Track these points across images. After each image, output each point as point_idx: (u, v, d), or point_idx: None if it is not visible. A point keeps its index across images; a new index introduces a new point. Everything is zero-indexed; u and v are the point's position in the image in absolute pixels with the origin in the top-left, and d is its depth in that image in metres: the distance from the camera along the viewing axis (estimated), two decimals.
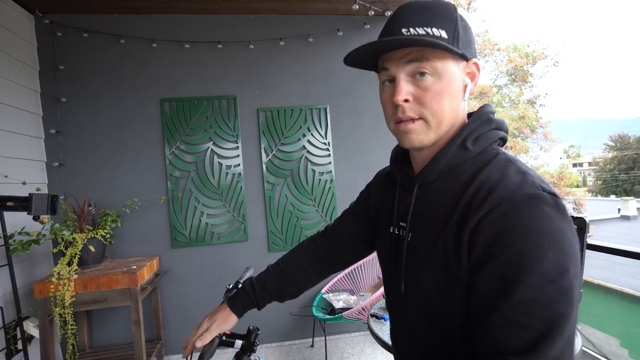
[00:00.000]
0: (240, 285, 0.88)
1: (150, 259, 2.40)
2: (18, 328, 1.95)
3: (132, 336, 2.11)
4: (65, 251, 1.98)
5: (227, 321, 0.82)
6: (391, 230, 0.69)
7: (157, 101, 2.59)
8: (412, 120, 0.56)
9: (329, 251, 0.89)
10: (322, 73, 2.78)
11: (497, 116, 0.62)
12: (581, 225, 1.00)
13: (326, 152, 2.79)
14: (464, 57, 0.56)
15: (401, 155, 0.70)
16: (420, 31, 0.53)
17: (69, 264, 1.96)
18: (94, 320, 2.51)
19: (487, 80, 14.84)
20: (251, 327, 0.86)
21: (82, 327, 2.41)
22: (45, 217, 1.92)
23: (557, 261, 0.45)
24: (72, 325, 1.91)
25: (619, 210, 16.54)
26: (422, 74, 0.54)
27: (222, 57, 2.66)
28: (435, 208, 0.59)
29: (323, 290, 2.61)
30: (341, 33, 2.77)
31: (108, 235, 2.18)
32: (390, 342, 0.77)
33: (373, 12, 2.59)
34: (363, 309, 2.17)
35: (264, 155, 2.70)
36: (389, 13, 2.60)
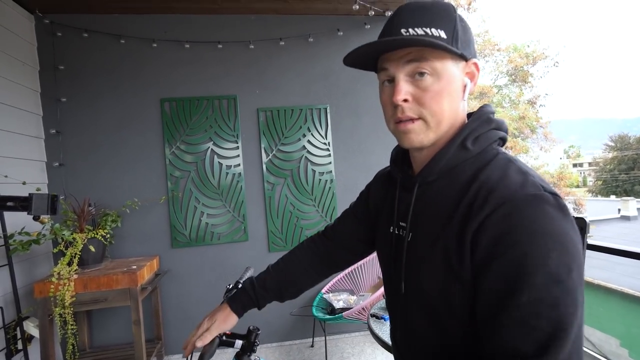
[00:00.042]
0: (240, 285, 0.88)
1: (150, 259, 2.41)
2: (18, 328, 1.95)
3: (132, 336, 2.11)
4: (65, 251, 1.98)
5: (227, 321, 0.82)
6: (391, 230, 0.69)
7: (157, 101, 2.59)
8: (412, 120, 0.56)
9: (329, 251, 0.89)
10: (322, 73, 2.78)
11: (497, 116, 0.62)
12: (581, 226, 0.99)
13: (326, 152, 2.79)
14: (463, 57, 0.57)
15: (401, 156, 0.70)
16: (419, 31, 0.54)
17: (69, 264, 1.96)
18: (94, 320, 2.51)
19: (488, 80, 14.85)
20: (251, 327, 0.86)
21: (82, 327, 2.41)
22: (45, 217, 1.92)
23: (562, 261, 0.45)
24: (72, 325, 1.91)
25: (619, 210, 16.54)
26: (422, 74, 0.54)
27: (222, 57, 2.66)
28: (435, 208, 0.59)
29: (323, 290, 2.61)
30: (341, 33, 2.77)
31: (108, 235, 2.18)
32: (390, 342, 0.77)
33: (373, 12, 2.59)
34: (363, 309, 2.17)
35: (264, 155, 2.70)
36: (389, 13, 2.60)
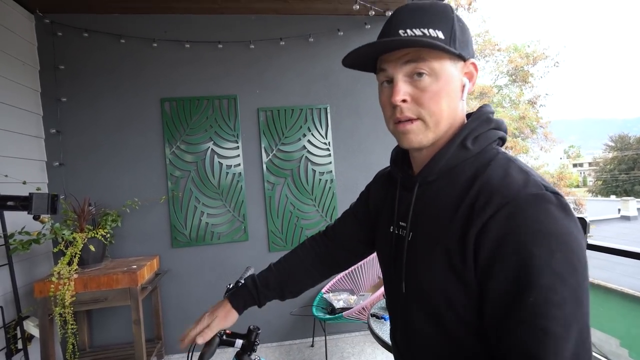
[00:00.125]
0: (241, 283, 0.88)
1: (150, 258, 2.41)
2: (18, 327, 1.95)
3: (132, 336, 2.11)
4: (65, 251, 1.98)
5: (228, 317, 0.82)
6: (391, 230, 0.69)
7: (157, 101, 2.59)
8: (411, 120, 0.57)
9: (329, 252, 0.89)
10: (323, 73, 2.78)
11: (496, 116, 0.62)
12: (581, 226, 1.00)
13: (326, 152, 2.79)
14: (461, 58, 0.57)
15: (401, 156, 0.70)
16: (417, 32, 0.54)
17: (69, 263, 1.96)
18: (94, 319, 2.51)
19: (488, 80, 14.84)
20: (251, 327, 0.87)
21: (82, 327, 2.42)
22: (45, 217, 1.92)
23: (566, 260, 0.46)
24: (72, 324, 1.91)
25: (619, 210, 16.54)
26: (420, 74, 0.54)
27: (223, 57, 2.66)
28: (436, 208, 0.59)
29: (323, 290, 2.61)
30: (342, 33, 2.77)
31: (108, 235, 2.19)
32: (390, 342, 0.77)
33: (373, 12, 2.59)
34: (363, 308, 2.17)
35: (264, 155, 2.71)
36: (390, 13, 2.60)
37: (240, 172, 2.67)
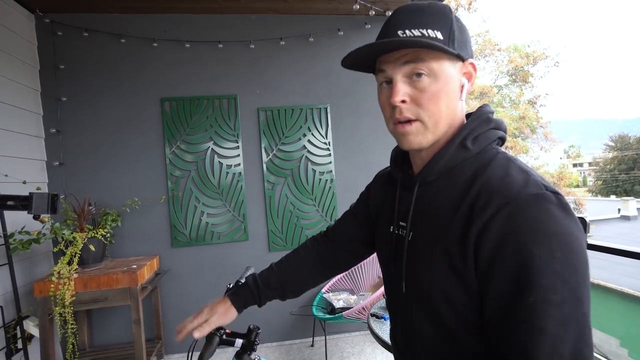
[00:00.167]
0: (242, 282, 0.88)
1: (150, 258, 2.41)
2: (18, 327, 1.95)
3: (132, 335, 2.11)
4: (65, 250, 1.98)
5: (227, 315, 0.82)
6: (391, 230, 0.69)
7: (157, 100, 2.59)
8: (410, 122, 0.57)
9: (330, 252, 0.89)
10: (323, 73, 2.78)
11: (496, 116, 0.62)
12: (581, 225, 1.00)
13: (326, 152, 2.79)
14: (460, 58, 0.57)
15: (401, 156, 0.70)
16: (416, 33, 0.54)
17: (69, 263, 1.96)
18: (94, 319, 2.51)
19: (488, 80, 14.84)
20: (251, 326, 0.87)
21: (82, 327, 2.42)
22: (45, 217, 1.92)
23: (567, 260, 0.46)
24: (72, 324, 1.91)
25: (619, 210, 16.55)
26: (419, 74, 0.55)
27: (223, 56, 2.66)
28: (436, 207, 0.59)
29: (323, 290, 2.61)
30: (342, 33, 2.77)
31: (108, 235, 2.19)
32: (390, 342, 0.77)
33: (374, 12, 2.59)
34: (363, 308, 2.17)
35: (264, 154, 2.71)
36: (390, 13, 2.60)
37: (240, 172, 2.67)
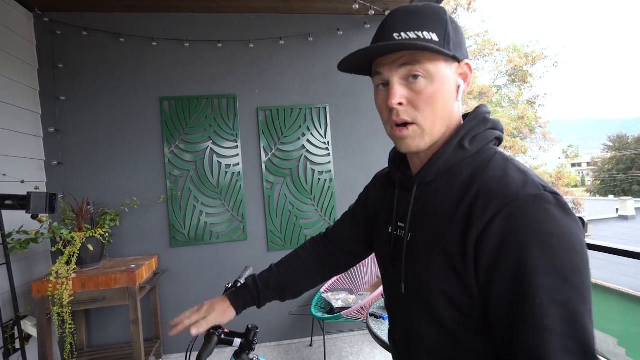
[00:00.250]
0: (240, 284, 0.88)
1: (149, 258, 2.40)
2: (16, 327, 1.94)
3: (130, 335, 2.11)
4: (63, 250, 1.98)
5: (226, 314, 0.82)
6: (390, 231, 0.69)
7: (156, 100, 2.59)
8: (407, 126, 0.57)
9: (329, 253, 0.89)
10: (322, 72, 2.78)
11: (493, 116, 0.62)
12: (581, 224, 1.00)
13: (326, 152, 2.79)
14: (456, 59, 0.57)
15: (399, 156, 0.70)
16: (412, 35, 0.54)
17: (68, 262, 1.96)
18: (92, 319, 2.50)
19: (487, 80, 14.86)
20: (250, 326, 0.87)
21: (81, 326, 2.41)
22: (43, 216, 1.92)
23: (568, 259, 0.46)
24: (70, 324, 1.91)
25: (617, 210, 16.60)
26: (415, 76, 0.55)
27: (222, 56, 2.65)
28: (435, 208, 0.59)
29: (322, 290, 2.61)
30: (341, 32, 2.77)
31: (107, 234, 2.18)
32: (388, 342, 0.78)
33: (373, 12, 2.59)
34: (362, 308, 2.17)
35: (263, 154, 2.70)
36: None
37: (239, 172, 2.67)
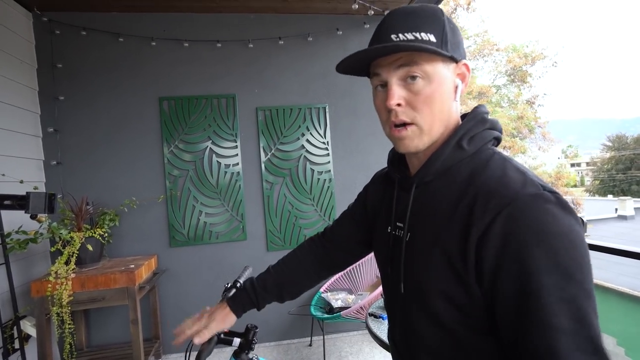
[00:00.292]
0: (239, 285, 0.89)
1: (148, 258, 2.40)
2: (15, 327, 1.94)
3: (129, 335, 2.11)
4: (62, 250, 1.98)
5: (226, 320, 0.83)
6: (389, 231, 0.69)
7: (155, 100, 2.58)
8: (405, 126, 0.57)
9: (328, 253, 0.89)
10: (321, 72, 2.78)
11: (491, 116, 0.62)
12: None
13: (325, 152, 2.79)
14: (453, 59, 0.57)
15: (398, 156, 0.71)
16: (409, 36, 0.54)
17: (67, 262, 1.95)
18: (91, 319, 2.50)
19: (486, 80, 14.86)
20: (249, 325, 0.87)
21: (80, 326, 2.41)
22: (42, 216, 1.92)
23: (571, 257, 0.46)
24: (69, 324, 1.91)
25: (616, 210, 16.63)
26: (413, 77, 0.55)
27: (221, 56, 2.65)
28: (433, 208, 0.59)
29: (321, 290, 2.61)
30: (340, 32, 2.77)
31: (106, 234, 2.18)
32: (388, 342, 0.78)
33: (372, 12, 2.59)
34: (361, 308, 2.17)
35: (262, 154, 2.70)
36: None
37: (238, 172, 2.67)
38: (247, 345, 0.85)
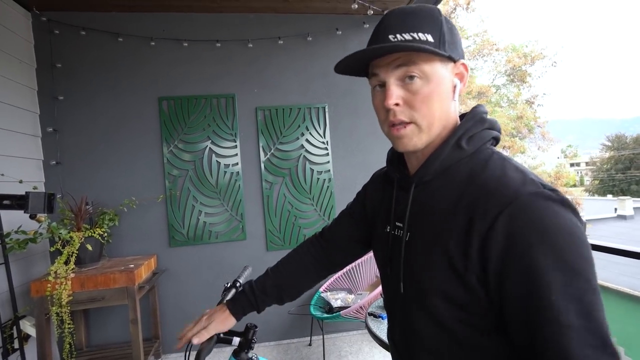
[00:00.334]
0: (238, 285, 0.89)
1: (147, 257, 2.40)
2: (15, 327, 1.94)
3: (129, 335, 2.11)
4: (62, 250, 1.98)
5: (226, 323, 0.83)
6: (388, 230, 0.69)
7: (155, 100, 2.58)
8: (404, 125, 0.57)
9: (326, 252, 0.89)
10: (321, 72, 2.78)
11: (490, 116, 0.63)
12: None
13: (324, 151, 2.79)
14: (451, 59, 0.58)
15: (397, 156, 0.71)
16: (407, 36, 0.55)
17: (66, 262, 1.95)
18: (91, 319, 2.50)
19: (486, 80, 14.87)
20: (249, 325, 0.87)
21: (80, 326, 2.41)
22: (42, 216, 1.92)
23: (576, 253, 0.46)
24: (69, 324, 1.91)
25: (616, 209, 16.65)
26: (411, 77, 0.55)
27: (221, 55, 2.65)
28: (433, 208, 0.59)
29: (321, 289, 2.61)
30: (340, 32, 2.77)
31: (105, 234, 2.18)
32: (387, 341, 0.78)
33: (372, 12, 2.59)
34: (361, 307, 2.17)
35: (262, 154, 2.70)
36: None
37: (238, 171, 2.67)
38: (246, 345, 0.85)
